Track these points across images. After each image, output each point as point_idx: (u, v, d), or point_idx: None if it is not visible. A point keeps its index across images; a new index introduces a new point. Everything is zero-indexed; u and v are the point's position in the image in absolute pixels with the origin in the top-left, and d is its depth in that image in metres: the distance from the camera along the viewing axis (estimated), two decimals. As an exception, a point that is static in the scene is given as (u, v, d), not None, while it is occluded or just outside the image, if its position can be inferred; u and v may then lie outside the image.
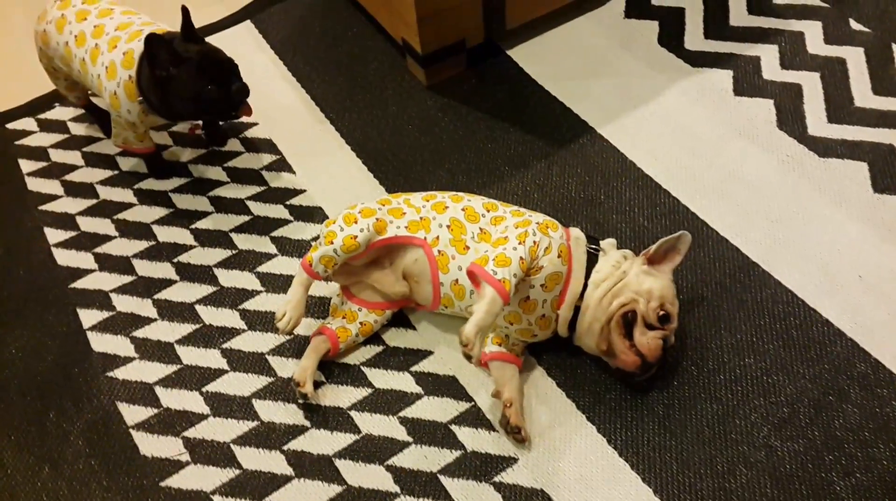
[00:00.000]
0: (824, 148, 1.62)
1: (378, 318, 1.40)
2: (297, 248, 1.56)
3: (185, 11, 1.45)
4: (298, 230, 1.59)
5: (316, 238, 1.38)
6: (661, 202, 1.56)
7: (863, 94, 1.71)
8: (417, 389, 1.35)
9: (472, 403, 1.32)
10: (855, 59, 1.77)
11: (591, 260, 1.29)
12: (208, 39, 1.51)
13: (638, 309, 1.24)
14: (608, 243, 1.34)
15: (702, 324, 1.38)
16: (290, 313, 1.33)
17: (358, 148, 1.73)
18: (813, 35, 1.83)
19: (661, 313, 1.25)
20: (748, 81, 1.75)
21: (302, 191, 1.66)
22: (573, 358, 1.35)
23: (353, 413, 1.33)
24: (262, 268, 1.54)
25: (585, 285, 1.27)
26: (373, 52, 1.92)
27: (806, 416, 1.26)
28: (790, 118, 1.67)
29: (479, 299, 1.20)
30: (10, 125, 1.87)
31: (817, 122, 1.66)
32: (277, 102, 1.84)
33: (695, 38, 1.86)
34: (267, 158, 1.73)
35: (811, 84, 1.73)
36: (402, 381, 1.36)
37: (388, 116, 1.78)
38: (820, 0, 1.90)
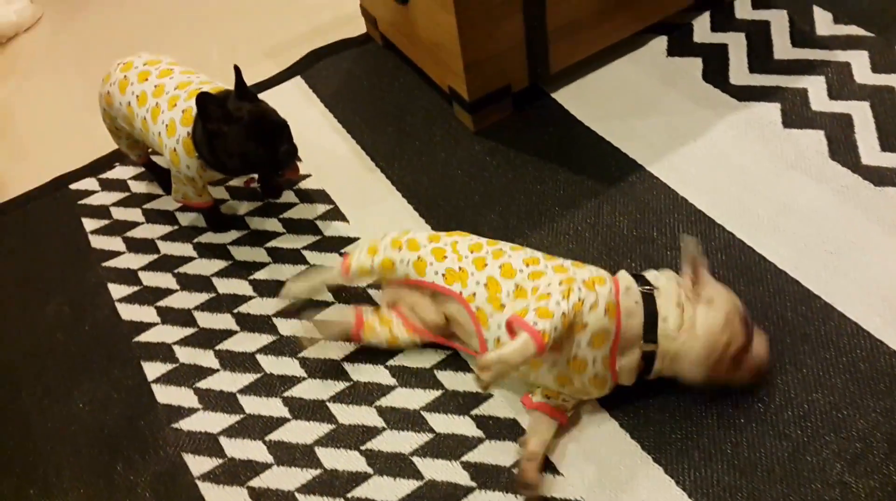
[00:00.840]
0: (879, 177, 1.60)
1: (408, 338, 1.42)
2: (352, 295, 1.58)
3: (237, 71, 1.50)
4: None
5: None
6: (716, 237, 1.55)
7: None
8: (479, 433, 1.34)
9: (535, 446, 1.31)
10: (905, 86, 1.76)
11: (649, 303, 1.26)
12: (261, 96, 1.56)
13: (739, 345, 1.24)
14: (653, 276, 1.31)
15: (765, 359, 1.36)
16: (298, 283, 1.47)
17: (409, 195, 1.76)
18: (860, 65, 1.82)
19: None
20: (797, 113, 1.75)
21: (355, 239, 1.69)
22: (636, 399, 1.34)
23: (415, 459, 1.32)
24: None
25: (650, 335, 1.24)
26: (420, 101, 1.96)
27: (880, 451, 1.22)
28: (842, 148, 1.66)
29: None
30: (73, 186, 1.95)
31: (870, 151, 1.65)
32: (329, 153, 1.88)
33: (739, 72, 1.86)
34: (321, 208, 1.76)
35: (861, 114, 1.72)
36: (462, 425, 1.36)
37: (437, 163, 1.81)
38: (864, 30, 1.90)
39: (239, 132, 1.47)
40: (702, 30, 1.99)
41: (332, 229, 1.72)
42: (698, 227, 1.58)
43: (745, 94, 1.81)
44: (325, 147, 1.89)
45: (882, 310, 1.39)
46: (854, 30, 1.91)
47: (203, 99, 1.45)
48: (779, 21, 1.97)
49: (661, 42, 1.99)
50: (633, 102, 1.86)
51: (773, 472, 1.23)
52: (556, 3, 1.76)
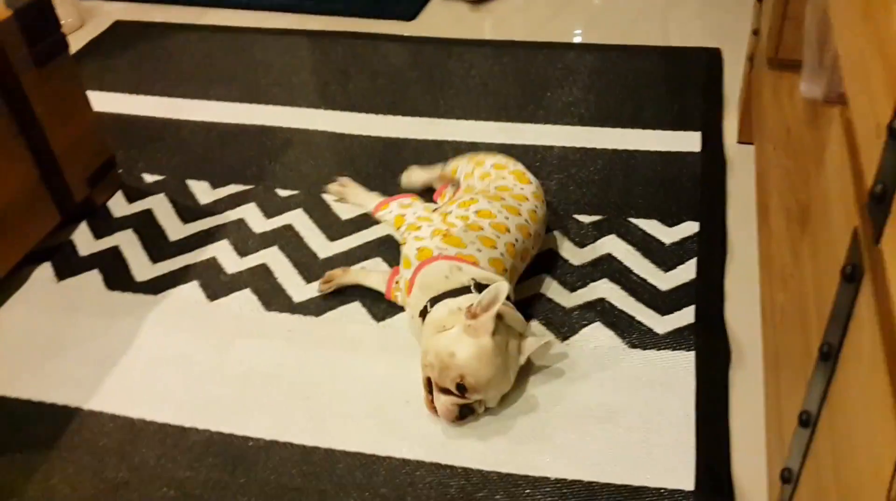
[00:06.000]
0: (315, 308, 1.59)
1: None
2: None
3: None
4: None
5: None
6: (190, 440, 1.35)
7: (322, 246, 1.74)
8: None
9: None
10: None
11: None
12: None
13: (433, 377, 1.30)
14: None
15: None
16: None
17: None
18: (253, 216, 1.83)
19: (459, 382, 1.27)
20: (216, 282, 1.66)
21: None
22: None
23: None
24: None
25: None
26: None
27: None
28: (275, 297, 1.62)
29: None
30: None
31: (296, 287, 1.64)
32: None
33: (143, 268, 1.71)
34: None
35: (273, 257, 1.72)
36: None
37: None
38: (243, 185, 1.92)
39: None
40: (86, 242, 1.80)
41: None
42: (172, 439, 1.36)
43: (158, 285, 1.67)
44: None
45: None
46: (233, 188, 1.92)
47: None
48: (160, 206, 1.88)
49: (45, 270, 1.73)
50: (42, 345, 1.56)
51: None
52: None
